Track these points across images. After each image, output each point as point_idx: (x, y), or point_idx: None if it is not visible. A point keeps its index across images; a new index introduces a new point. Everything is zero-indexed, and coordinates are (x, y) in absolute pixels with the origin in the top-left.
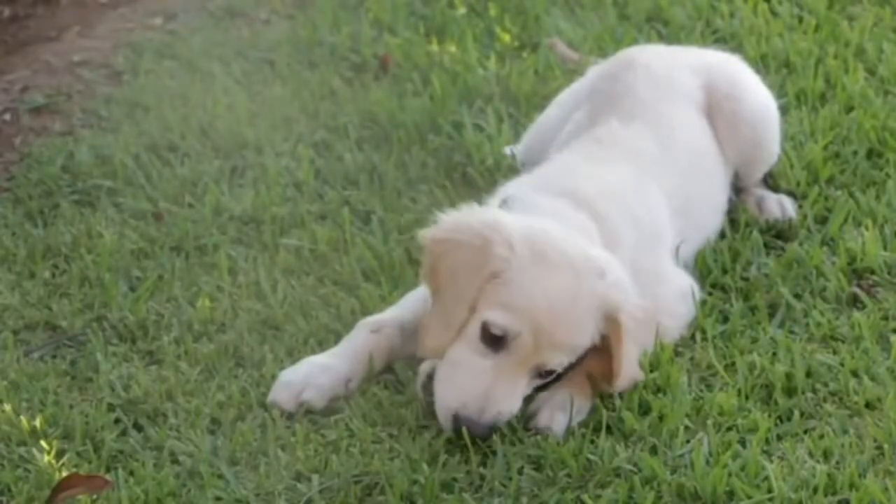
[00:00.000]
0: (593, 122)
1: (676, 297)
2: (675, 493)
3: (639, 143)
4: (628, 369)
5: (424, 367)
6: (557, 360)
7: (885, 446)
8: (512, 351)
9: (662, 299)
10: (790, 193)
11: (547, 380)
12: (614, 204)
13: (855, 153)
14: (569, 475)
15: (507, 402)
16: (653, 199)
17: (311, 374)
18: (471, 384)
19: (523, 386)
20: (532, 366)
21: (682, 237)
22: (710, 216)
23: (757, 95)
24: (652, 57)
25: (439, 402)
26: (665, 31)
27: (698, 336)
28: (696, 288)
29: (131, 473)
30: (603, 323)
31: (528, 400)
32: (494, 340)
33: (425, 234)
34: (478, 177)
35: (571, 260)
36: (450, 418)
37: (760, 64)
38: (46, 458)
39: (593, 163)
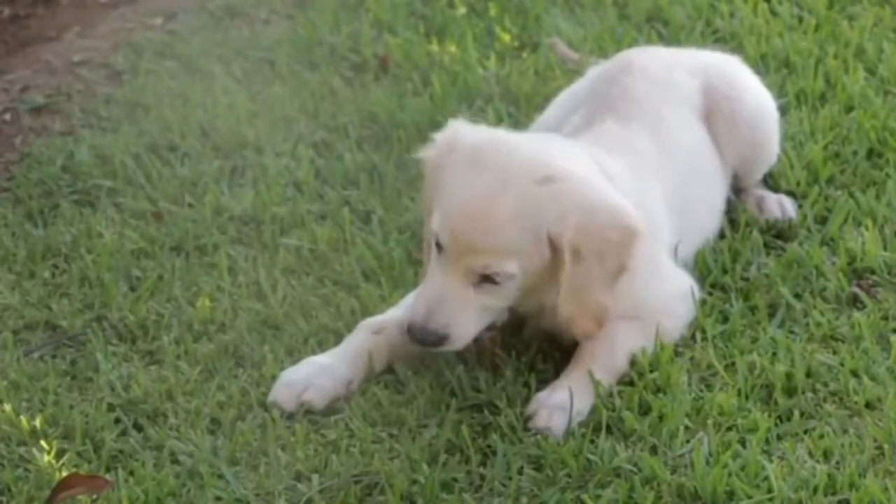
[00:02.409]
0: (590, 124)
1: (676, 296)
2: (675, 493)
3: (636, 142)
4: (576, 297)
5: None
6: (482, 263)
7: (885, 446)
8: (444, 254)
9: (662, 298)
10: (790, 193)
11: (496, 293)
12: (609, 185)
13: (855, 153)
14: (569, 475)
15: (455, 312)
16: (649, 195)
17: (312, 375)
18: (420, 293)
19: (468, 294)
20: (463, 270)
21: (679, 237)
22: (709, 217)
23: (756, 96)
24: (650, 59)
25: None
26: (665, 31)
27: (698, 336)
28: (696, 288)
29: (131, 473)
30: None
31: (527, 400)
32: (438, 247)
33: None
34: None
35: (509, 163)
36: (405, 326)
37: (760, 64)
38: (46, 458)
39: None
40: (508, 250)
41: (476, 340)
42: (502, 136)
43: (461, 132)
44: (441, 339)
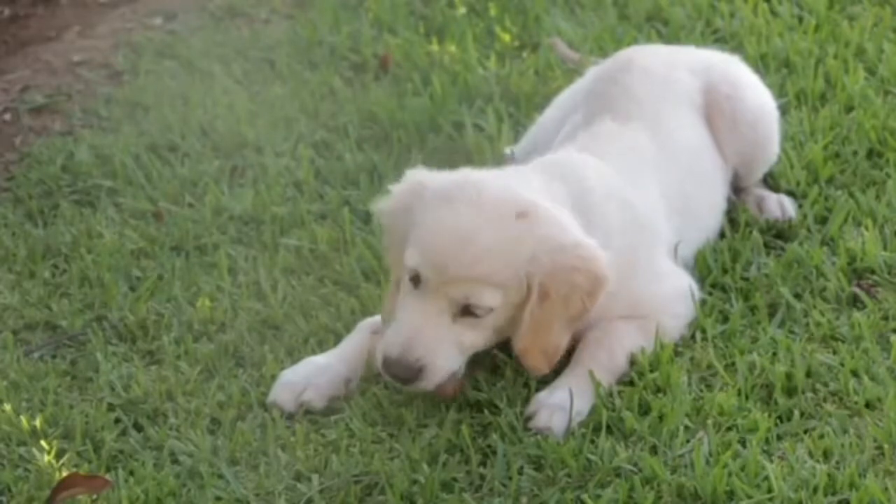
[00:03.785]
0: (590, 124)
1: (675, 295)
2: (675, 493)
3: (635, 141)
4: (535, 334)
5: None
6: (463, 293)
7: (885, 446)
8: (423, 287)
9: (661, 298)
10: (790, 193)
11: (474, 327)
12: (603, 181)
13: (855, 153)
14: (569, 475)
15: (429, 344)
16: (649, 193)
17: (312, 375)
18: (395, 328)
19: (447, 326)
20: (444, 302)
21: (680, 237)
22: (709, 216)
23: (756, 95)
24: (650, 58)
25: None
26: (665, 31)
27: (698, 336)
28: (696, 288)
29: (131, 473)
30: (527, 267)
31: (527, 400)
32: (414, 279)
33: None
34: None
35: (483, 199)
36: (380, 365)
37: (760, 64)
38: (46, 458)
39: (589, 152)
40: (489, 281)
41: (438, 386)
42: (471, 175)
43: (425, 178)
44: (416, 372)
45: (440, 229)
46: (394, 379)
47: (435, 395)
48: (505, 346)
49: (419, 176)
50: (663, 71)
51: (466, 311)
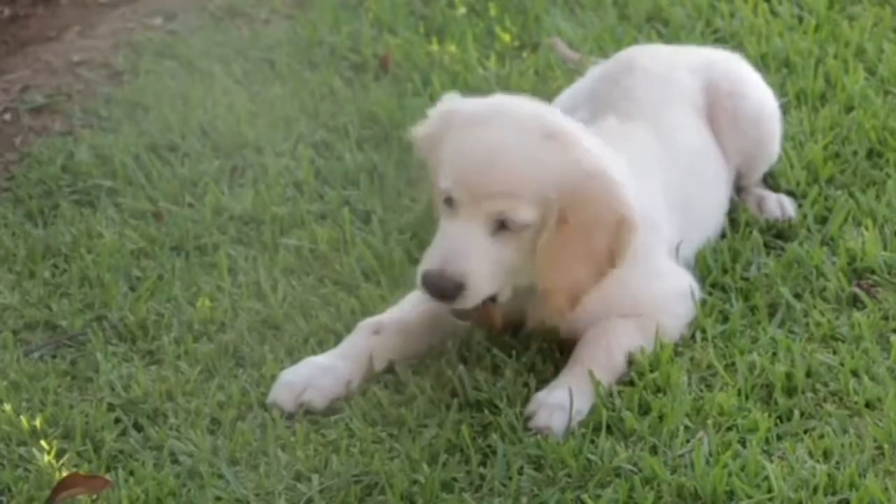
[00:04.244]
0: (592, 122)
1: (675, 295)
2: (675, 493)
3: (637, 138)
4: (554, 267)
5: None
6: (497, 209)
7: (885, 446)
8: (456, 207)
9: (660, 297)
10: (790, 193)
11: (512, 244)
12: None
13: (855, 153)
14: (569, 475)
15: (468, 257)
16: (651, 191)
17: (312, 375)
18: (434, 245)
19: (484, 240)
20: (480, 218)
21: (681, 236)
22: (711, 215)
23: (758, 93)
24: (651, 59)
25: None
26: (665, 31)
27: (698, 336)
28: (696, 287)
29: (131, 473)
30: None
31: (527, 400)
32: (448, 201)
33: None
34: None
35: (511, 119)
36: (420, 278)
37: (760, 64)
38: (46, 458)
39: None
40: (521, 196)
41: (476, 308)
42: (502, 98)
43: (456, 104)
44: (457, 287)
45: (468, 149)
46: (434, 296)
47: (478, 321)
48: (505, 345)
49: (450, 103)
50: (664, 72)
51: (503, 226)
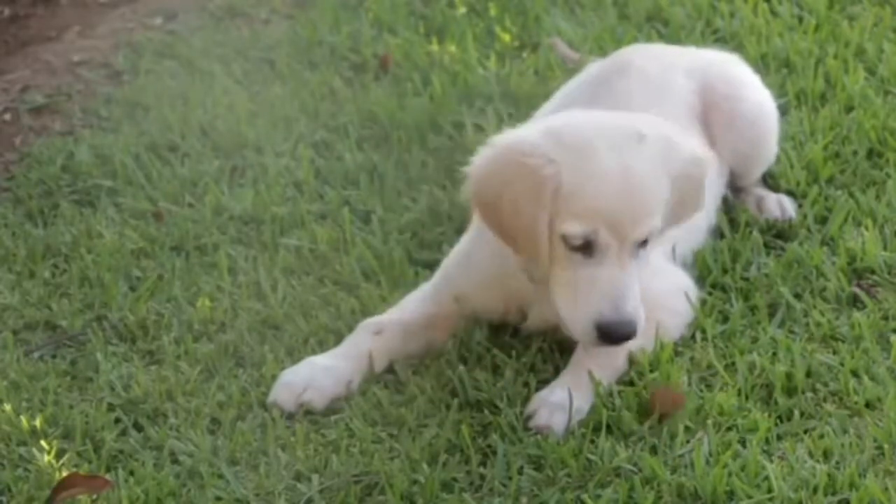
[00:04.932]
0: None
1: (674, 292)
2: (675, 493)
3: None
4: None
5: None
6: (644, 232)
7: (885, 446)
8: (602, 248)
9: (659, 294)
10: (790, 193)
11: (643, 254)
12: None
13: (855, 153)
14: (569, 475)
15: (631, 291)
16: None
17: (312, 375)
18: (591, 291)
19: (633, 269)
20: (627, 251)
21: (674, 238)
22: (700, 216)
23: (755, 94)
24: (648, 60)
25: (574, 323)
26: (665, 31)
27: (698, 336)
28: (693, 288)
29: (131, 473)
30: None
31: (527, 400)
32: (584, 247)
33: (468, 187)
34: None
35: (607, 139)
36: (592, 331)
37: (760, 64)
38: (46, 458)
39: None
40: (657, 210)
41: None
42: (560, 123)
43: (522, 142)
44: (635, 329)
45: (599, 191)
46: (612, 343)
47: None
48: (505, 345)
49: (524, 141)
50: (659, 74)
51: (642, 244)
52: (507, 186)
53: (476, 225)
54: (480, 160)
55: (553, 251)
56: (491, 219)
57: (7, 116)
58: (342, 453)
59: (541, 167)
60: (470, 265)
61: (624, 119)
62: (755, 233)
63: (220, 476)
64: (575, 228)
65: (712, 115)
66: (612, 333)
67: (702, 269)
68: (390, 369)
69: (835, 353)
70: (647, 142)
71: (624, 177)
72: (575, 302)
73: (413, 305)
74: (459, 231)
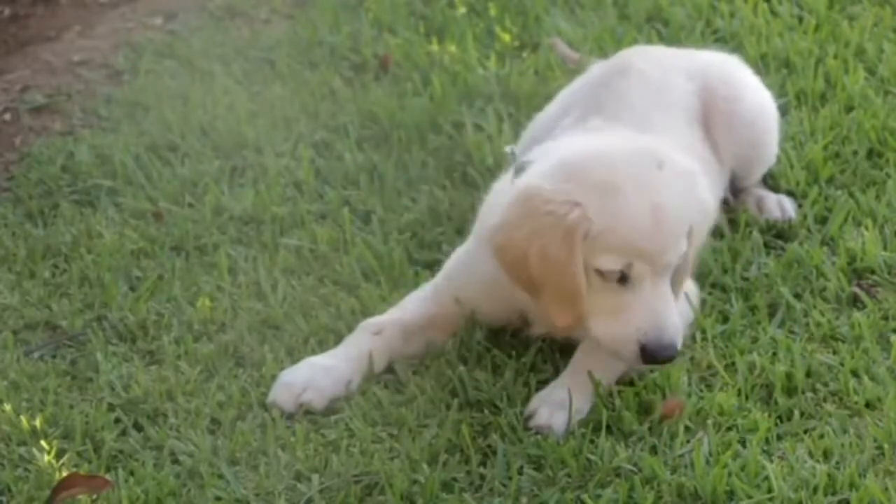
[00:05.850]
0: (577, 125)
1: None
2: (675, 493)
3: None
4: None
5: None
6: (675, 257)
7: (885, 446)
8: (638, 277)
9: None
10: (790, 193)
11: (674, 275)
12: None
13: (855, 153)
14: (569, 475)
15: (671, 312)
16: None
17: (312, 376)
18: (632, 317)
19: (666, 289)
20: (661, 275)
21: None
22: None
23: (755, 95)
24: (648, 62)
25: (617, 342)
26: (665, 31)
27: (698, 336)
28: (696, 289)
29: (131, 473)
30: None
31: (527, 400)
32: (619, 277)
33: (492, 246)
34: (478, 177)
35: (628, 173)
36: (636, 352)
37: (760, 64)
38: (46, 458)
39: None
40: (684, 233)
41: None
42: (572, 159)
43: (544, 184)
44: (676, 350)
45: (630, 226)
46: (655, 364)
47: None
48: (505, 345)
49: (541, 189)
50: (659, 75)
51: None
52: (534, 238)
53: (479, 230)
54: (500, 218)
55: (591, 279)
56: (518, 273)
57: (7, 116)
58: (342, 453)
59: (566, 213)
60: (472, 272)
61: (632, 143)
62: (755, 233)
63: (220, 476)
64: (610, 264)
65: (712, 117)
66: (656, 356)
67: (702, 269)
68: (390, 369)
69: (835, 353)
70: (666, 168)
71: (653, 210)
72: (616, 323)
73: (413, 306)
74: (459, 231)
